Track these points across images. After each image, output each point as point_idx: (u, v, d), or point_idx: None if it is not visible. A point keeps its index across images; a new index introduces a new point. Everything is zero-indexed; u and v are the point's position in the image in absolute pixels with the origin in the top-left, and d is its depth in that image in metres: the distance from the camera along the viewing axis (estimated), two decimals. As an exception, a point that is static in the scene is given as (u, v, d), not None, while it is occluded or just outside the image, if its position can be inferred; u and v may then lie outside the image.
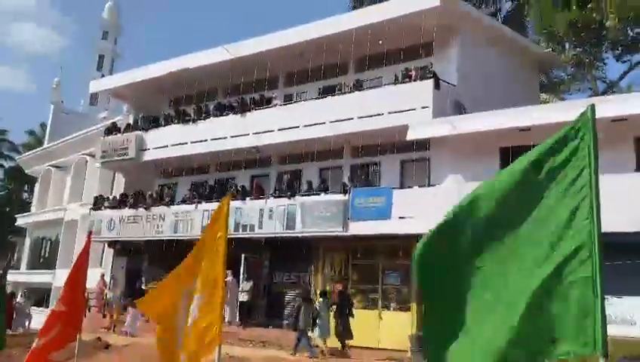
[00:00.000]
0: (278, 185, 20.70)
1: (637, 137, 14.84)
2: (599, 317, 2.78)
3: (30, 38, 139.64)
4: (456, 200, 3.27)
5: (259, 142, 20.92)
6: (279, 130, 20.26)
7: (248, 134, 21.14)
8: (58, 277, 29.10)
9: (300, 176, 20.85)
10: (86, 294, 14.25)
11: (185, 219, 21.87)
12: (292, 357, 14.24)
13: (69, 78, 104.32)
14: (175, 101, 26.27)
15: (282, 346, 15.35)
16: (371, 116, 18.02)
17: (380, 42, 19.08)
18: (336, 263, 18.72)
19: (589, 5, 23.26)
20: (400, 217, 16.33)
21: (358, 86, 19.37)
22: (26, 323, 21.84)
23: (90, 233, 11.86)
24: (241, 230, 19.61)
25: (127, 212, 24.05)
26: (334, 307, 15.55)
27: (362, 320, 16.18)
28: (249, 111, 21.64)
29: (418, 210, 15.62)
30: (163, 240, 22.22)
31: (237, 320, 18.96)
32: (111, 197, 26.01)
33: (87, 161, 31.75)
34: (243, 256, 19.59)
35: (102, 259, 26.99)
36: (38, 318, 18.85)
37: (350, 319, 15.51)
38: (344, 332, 15.31)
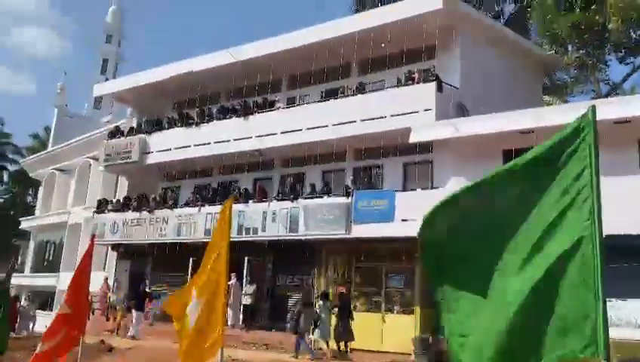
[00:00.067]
0: (281, 188, 20.71)
1: (640, 139, 14.82)
2: (601, 320, 2.76)
3: (30, 40, 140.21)
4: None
5: (262, 145, 20.94)
6: (282, 133, 20.27)
7: (251, 137, 21.16)
8: (62, 281, 29.14)
9: (303, 178, 20.84)
10: (89, 297, 14.29)
11: (188, 222, 21.89)
12: (294, 360, 14.26)
13: (72, 80, 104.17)
14: (178, 104, 26.34)
15: (285, 349, 15.36)
16: (374, 119, 18.03)
17: (383, 45, 19.09)
18: (339, 266, 18.68)
19: (592, 7, 23.25)
20: (403, 220, 16.27)
21: (361, 89, 19.36)
22: (30, 326, 21.89)
23: (93, 236, 11.87)
24: (244, 233, 19.61)
25: (130, 215, 24.08)
26: (336, 309, 15.54)
27: (365, 323, 16.16)
28: (252, 114, 21.66)
29: (421, 213, 15.38)
30: (166, 243, 22.27)
31: (240, 323, 18.98)
32: (114, 201, 26.07)
33: (90, 165, 31.82)
34: (246, 259, 19.61)
35: (105, 262, 27.00)
36: (43, 321, 18.89)
37: (351, 321, 15.47)
38: (344, 334, 15.27)
